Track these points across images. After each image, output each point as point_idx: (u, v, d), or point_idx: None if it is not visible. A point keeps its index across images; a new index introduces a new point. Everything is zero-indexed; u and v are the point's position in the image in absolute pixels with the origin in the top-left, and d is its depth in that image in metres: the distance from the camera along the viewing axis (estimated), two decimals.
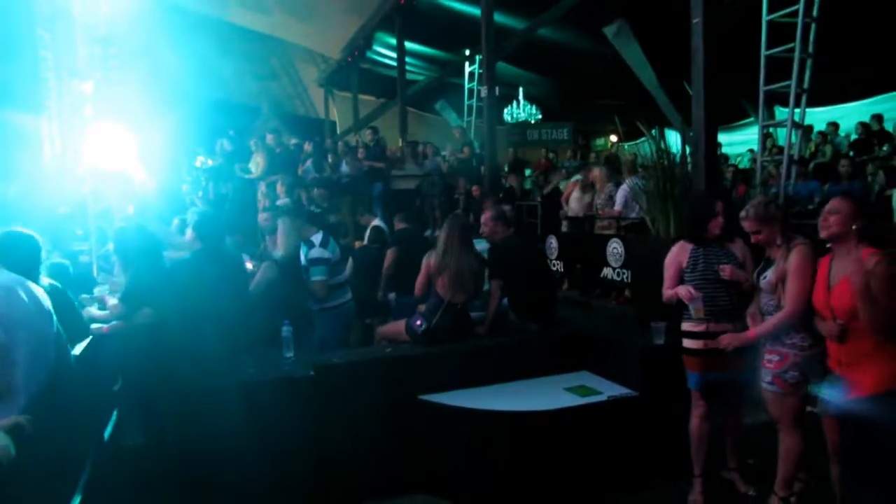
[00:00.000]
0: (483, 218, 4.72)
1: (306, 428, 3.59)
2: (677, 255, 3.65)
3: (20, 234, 2.79)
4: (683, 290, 3.50)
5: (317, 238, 4.88)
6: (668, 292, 3.64)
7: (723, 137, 9.59)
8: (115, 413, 3.58)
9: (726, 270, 3.47)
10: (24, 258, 2.68)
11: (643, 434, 3.82)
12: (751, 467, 3.84)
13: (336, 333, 5.03)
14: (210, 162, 10.96)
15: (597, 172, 7.92)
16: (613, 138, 18.05)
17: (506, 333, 4.50)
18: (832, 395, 2.93)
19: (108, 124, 7.29)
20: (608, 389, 3.97)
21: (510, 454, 3.71)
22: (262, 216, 5.35)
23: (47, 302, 2.45)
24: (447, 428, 3.85)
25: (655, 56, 10.73)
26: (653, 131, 6.62)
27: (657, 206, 5.50)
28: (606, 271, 6.75)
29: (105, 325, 3.76)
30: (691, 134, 5.54)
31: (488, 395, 3.96)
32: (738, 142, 13.52)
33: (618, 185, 7.37)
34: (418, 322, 4.26)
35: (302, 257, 4.92)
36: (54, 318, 2.47)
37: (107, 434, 3.55)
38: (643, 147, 6.51)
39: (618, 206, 7.11)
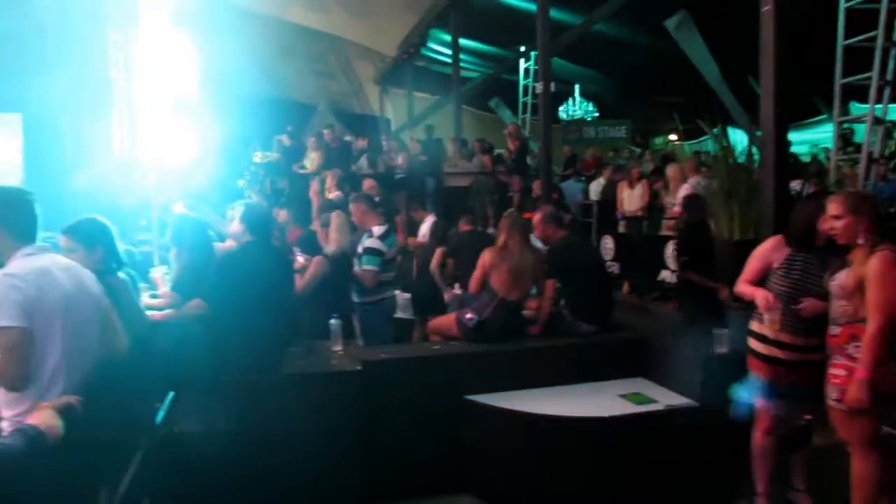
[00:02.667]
0: (535, 220, 4.63)
1: (353, 422, 3.58)
2: (770, 251, 3.32)
3: (98, 221, 2.94)
4: (762, 296, 3.21)
5: (378, 230, 4.87)
6: (744, 287, 3.35)
7: (791, 136, 9.13)
8: (168, 399, 3.63)
9: (807, 307, 3.14)
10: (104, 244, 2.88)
11: (701, 447, 3.62)
12: (821, 489, 3.53)
13: (378, 328, 5.00)
14: (269, 157, 11.18)
15: (671, 171, 7.65)
16: (673, 137, 17.53)
17: (559, 335, 4.37)
18: None
19: (172, 120, 7.49)
20: (665, 398, 3.80)
21: (558, 460, 3.59)
22: (315, 212, 5.37)
23: (95, 286, 2.47)
24: (494, 429, 3.77)
25: (720, 50, 10.32)
26: (715, 129, 6.35)
27: (721, 207, 5.27)
28: (664, 274, 6.51)
29: (158, 313, 3.84)
30: (758, 133, 5.25)
31: (538, 398, 3.86)
32: (807, 140, 12.91)
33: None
34: (469, 315, 4.17)
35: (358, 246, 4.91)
36: (103, 302, 2.49)
37: (159, 419, 3.60)
38: (707, 145, 6.25)
39: (678, 207, 6.85)
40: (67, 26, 7.22)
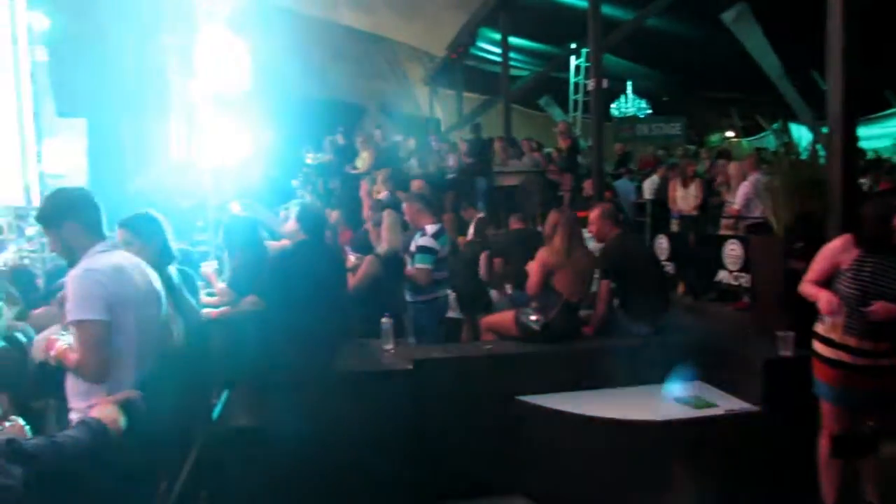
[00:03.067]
0: (591, 216, 4.53)
1: (403, 421, 3.57)
2: (839, 251, 3.18)
3: (152, 216, 3.02)
4: (825, 299, 3.08)
5: (432, 228, 4.87)
6: (809, 288, 3.22)
7: (860, 131, 8.72)
8: (224, 395, 3.71)
9: (878, 310, 2.98)
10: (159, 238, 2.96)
11: (764, 455, 3.48)
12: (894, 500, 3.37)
13: (430, 327, 4.99)
14: (320, 158, 11.34)
15: (731, 168, 7.40)
16: (730, 133, 17.00)
17: (613, 336, 4.28)
18: None
19: (227, 122, 7.69)
20: (725, 402, 3.66)
21: (612, 464, 3.51)
22: (366, 212, 5.41)
23: (157, 283, 2.54)
24: (547, 431, 3.71)
25: (781, 42, 9.92)
26: (774, 125, 6.09)
27: (783, 205, 5.04)
28: (722, 275, 6.30)
29: (214, 311, 3.92)
30: (823, 130, 5.00)
31: (592, 400, 3.78)
32: (876, 135, 12.30)
33: None
34: (534, 317, 4.10)
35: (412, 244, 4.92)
36: (163, 300, 2.57)
37: (215, 415, 3.68)
38: (767, 141, 6.01)
39: (738, 205, 6.62)
40: (127, 32, 7.50)
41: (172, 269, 3.11)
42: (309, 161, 11.77)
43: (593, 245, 4.72)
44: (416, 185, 6.84)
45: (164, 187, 7.24)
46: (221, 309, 4.00)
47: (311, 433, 3.38)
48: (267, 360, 3.62)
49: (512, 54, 13.53)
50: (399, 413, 3.56)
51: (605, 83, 8.45)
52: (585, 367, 4.04)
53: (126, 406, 1.97)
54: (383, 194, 6.81)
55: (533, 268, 4.27)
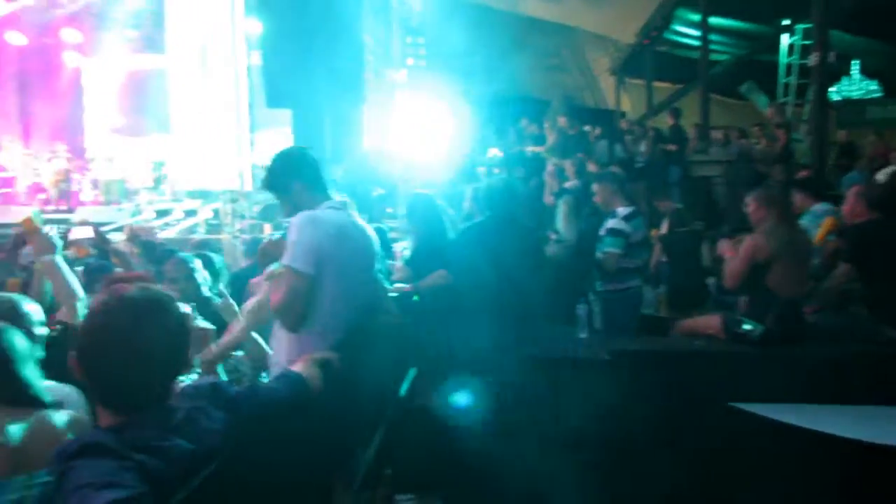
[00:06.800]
0: (849, 193, 3.84)
1: (594, 412, 3.24)
2: None
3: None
4: None
5: (624, 210, 4.51)
6: None
7: None
8: (410, 372, 3.67)
9: None
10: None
11: None
12: None
13: (622, 320, 4.59)
14: (497, 154, 11.34)
15: None
16: None
17: (854, 339, 3.57)
18: None
19: (417, 112, 7.88)
20: None
21: (851, 490, 2.91)
22: (548, 197, 5.21)
23: (377, 251, 2.53)
24: (767, 446, 3.18)
25: None
26: None
27: None
28: None
29: (406, 285, 3.91)
30: None
31: (828, 416, 3.15)
32: None
33: None
34: (748, 326, 3.52)
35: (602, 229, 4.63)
36: (379, 269, 2.55)
37: (402, 392, 3.66)
38: None
39: None
40: (333, 31, 7.97)
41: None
42: (492, 154, 11.80)
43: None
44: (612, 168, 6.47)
45: (358, 176, 7.60)
46: (399, 286, 3.99)
47: (494, 415, 3.26)
48: (452, 339, 3.53)
49: (711, 36, 12.48)
50: (591, 406, 3.25)
51: (832, 56, 7.35)
52: (817, 376, 3.40)
53: (324, 366, 1.90)
54: (572, 183, 6.54)
55: (738, 255, 3.63)
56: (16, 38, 12.34)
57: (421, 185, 7.38)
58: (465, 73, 12.53)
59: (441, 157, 8.16)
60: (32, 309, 2.17)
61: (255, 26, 9.44)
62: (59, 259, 2.55)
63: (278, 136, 9.13)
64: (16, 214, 9.67)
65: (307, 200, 2.37)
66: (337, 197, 2.46)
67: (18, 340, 1.82)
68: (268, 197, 8.99)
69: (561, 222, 4.90)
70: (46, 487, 1.17)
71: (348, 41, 8.24)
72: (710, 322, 3.83)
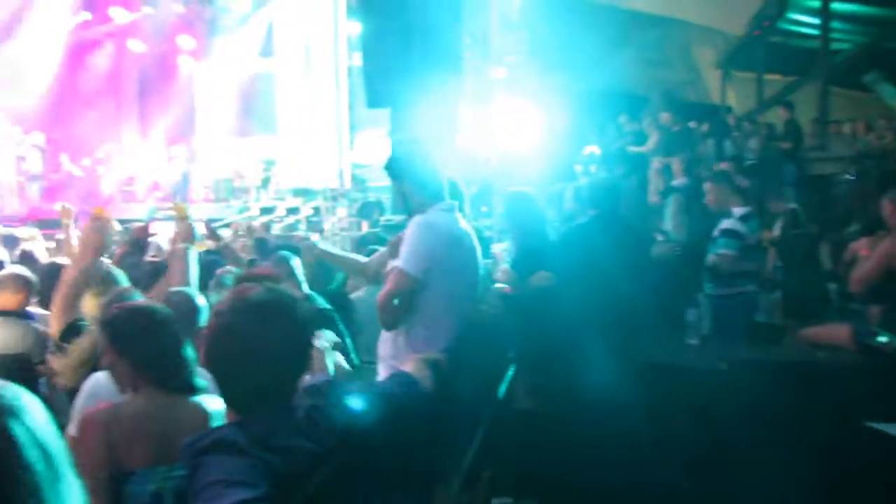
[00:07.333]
0: None
1: (709, 426, 3.08)
2: None
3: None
4: None
5: (739, 210, 4.30)
6: None
7: None
8: (509, 374, 3.61)
9: None
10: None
11: None
12: None
13: (734, 326, 4.33)
14: (596, 151, 11.06)
15: None
16: None
17: None
18: None
19: (514, 109, 7.79)
20: None
21: None
22: (653, 196, 5.02)
23: (479, 257, 2.52)
24: None
25: None
26: None
27: None
28: None
29: (508, 287, 3.85)
30: None
31: None
32: None
33: None
34: (883, 339, 3.14)
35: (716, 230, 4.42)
36: (483, 274, 2.55)
37: (500, 394, 3.61)
38: None
39: None
40: (431, 31, 8.01)
41: None
42: (588, 152, 11.52)
43: None
44: (723, 165, 6.16)
45: (451, 174, 7.61)
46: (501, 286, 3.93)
47: (598, 424, 3.11)
48: (553, 341, 3.44)
49: (833, 23, 11.59)
50: (704, 418, 3.07)
51: None
52: None
53: (433, 365, 1.89)
54: (680, 181, 6.29)
55: (871, 258, 3.34)
56: (136, 46, 13.34)
57: (517, 182, 7.31)
58: (565, 70, 12.30)
59: (538, 155, 8.02)
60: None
61: (357, 27, 9.67)
62: (192, 250, 2.72)
63: (377, 136, 9.32)
64: (135, 212, 10.43)
65: (414, 198, 2.42)
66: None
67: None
68: (365, 195, 9.22)
69: (670, 221, 4.73)
70: (182, 481, 1.20)
71: (447, 41, 8.24)
72: (837, 332, 3.50)
